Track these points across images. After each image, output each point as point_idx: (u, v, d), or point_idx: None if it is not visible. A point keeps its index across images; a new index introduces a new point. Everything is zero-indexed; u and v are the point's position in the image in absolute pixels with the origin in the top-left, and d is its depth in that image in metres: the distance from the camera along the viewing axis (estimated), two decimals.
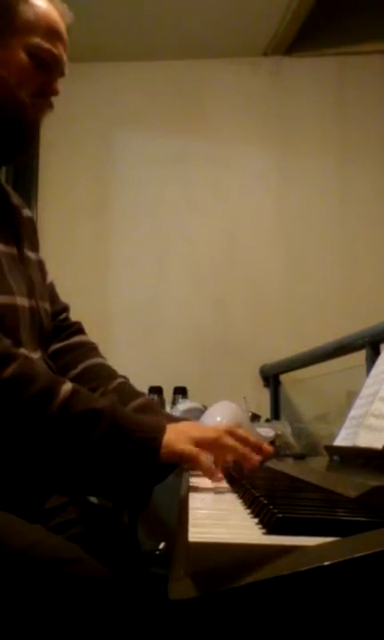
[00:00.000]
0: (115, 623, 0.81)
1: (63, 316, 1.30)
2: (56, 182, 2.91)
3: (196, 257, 2.90)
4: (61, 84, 1.11)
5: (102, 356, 1.29)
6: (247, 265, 2.89)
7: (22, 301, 1.07)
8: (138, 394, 1.21)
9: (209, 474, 0.92)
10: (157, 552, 1.40)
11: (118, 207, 2.94)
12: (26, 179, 2.82)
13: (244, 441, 0.99)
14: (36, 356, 1.08)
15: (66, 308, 1.32)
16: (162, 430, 0.92)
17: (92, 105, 2.96)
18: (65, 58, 1.10)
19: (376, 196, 2.90)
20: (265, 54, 2.97)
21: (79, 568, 0.82)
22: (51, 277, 1.28)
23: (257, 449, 0.99)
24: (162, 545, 1.42)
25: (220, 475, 0.95)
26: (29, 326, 1.08)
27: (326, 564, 0.43)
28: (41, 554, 0.82)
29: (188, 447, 0.91)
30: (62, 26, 1.09)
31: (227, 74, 2.98)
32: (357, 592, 0.43)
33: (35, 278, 1.15)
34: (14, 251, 1.11)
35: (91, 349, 1.28)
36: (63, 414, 0.88)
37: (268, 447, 0.99)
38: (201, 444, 0.93)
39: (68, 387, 0.92)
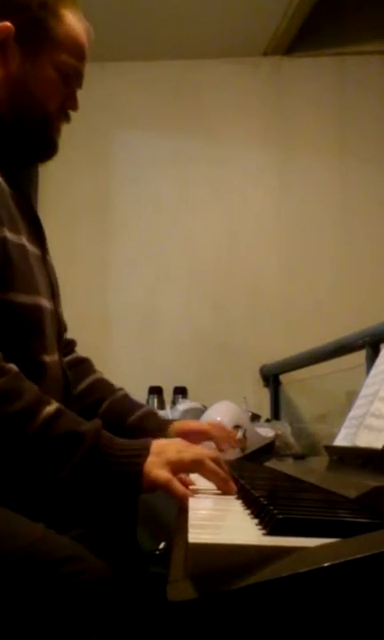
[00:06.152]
0: (115, 622, 0.81)
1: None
2: (56, 182, 2.91)
3: (195, 256, 2.90)
4: None
5: (100, 371, 1.36)
6: (247, 265, 2.89)
7: (46, 303, 1.08)
8: (140, 405, 1.31)
9: (181, 500, 0.87)
10: (157, 552, 1.39)
11: (118, 207, 2.94)
12: (26, 179, 2.82)
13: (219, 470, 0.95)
14: (55, 357, 1.09)
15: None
16: (144, 456, 0.90)
17: (92, 105, 2.94)
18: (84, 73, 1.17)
19: (376, 196, 2.90)
20: (265, 54, 2.96)
21: (82, 566, 0.82)
22: None
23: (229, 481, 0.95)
24: (162, 545, 1.42)
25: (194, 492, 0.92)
26: (51, 328, 1.09)
27: (326, 565, 0.43)
28: (44, 551, 0.82)
29: (162, 475, 0.88)
30: (87, 44, 1.15)
31: (226, 74, 2.97)
32: (357, 594, 0.43)
33: (54, 280, 1.17)
34: (39, 252, 1.13)
35: (91, 365, 1.35)
36: (43, 435, 0.87)
37: (233, 485, 0.94)
38: (176, 467, 0.90)
39: (51, 407, 0.90)
